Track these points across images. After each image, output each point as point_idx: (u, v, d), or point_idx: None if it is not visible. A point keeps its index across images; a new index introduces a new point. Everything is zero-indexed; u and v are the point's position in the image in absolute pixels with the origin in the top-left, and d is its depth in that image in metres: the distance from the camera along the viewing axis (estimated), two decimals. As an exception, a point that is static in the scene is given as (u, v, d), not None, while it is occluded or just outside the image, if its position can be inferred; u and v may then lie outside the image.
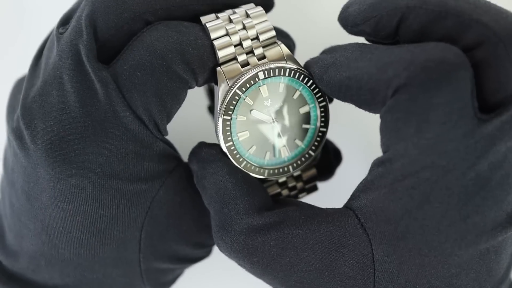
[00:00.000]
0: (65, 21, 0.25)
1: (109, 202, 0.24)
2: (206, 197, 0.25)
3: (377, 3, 0.23)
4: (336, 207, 0.25)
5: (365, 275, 0.23)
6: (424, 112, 0.21)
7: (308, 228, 0.24)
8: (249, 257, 0.24)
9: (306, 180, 0.29)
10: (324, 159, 0.29)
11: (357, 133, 0.37)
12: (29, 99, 0.24)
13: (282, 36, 0.27)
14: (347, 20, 0.25)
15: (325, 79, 0.24)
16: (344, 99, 0.24)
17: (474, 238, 0.22)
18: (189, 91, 0.26)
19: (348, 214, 0.24)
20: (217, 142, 0.26)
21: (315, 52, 0.27)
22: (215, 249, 0.30)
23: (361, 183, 0.24)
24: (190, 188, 0.27)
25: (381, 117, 0.23)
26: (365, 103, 0.23)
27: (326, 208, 0.25)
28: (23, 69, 0.28)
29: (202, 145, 0.26)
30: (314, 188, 0.30)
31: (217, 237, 0.25)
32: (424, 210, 0.22)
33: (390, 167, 0.22)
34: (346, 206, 0.25)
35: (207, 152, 0.26)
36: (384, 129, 0.22)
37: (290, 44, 0.27)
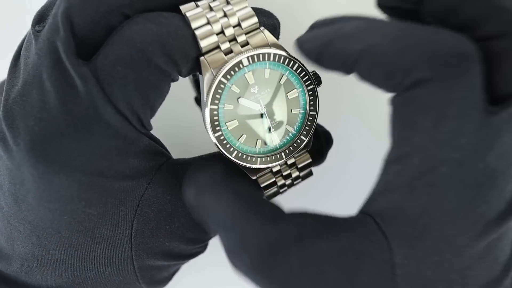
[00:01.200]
0: (40, 19, 0.25)
1: (95, 200, 0.24)
2: (213, 222, 0.24)
3: None
4: (352, 214, 0.24)
5: (385, 281, 0.22)
6: (441, 106, 0.21)
7: (329, 238, 0.22)
8: (269, 274, 0.22)
9: (301, 167, 0.28)
10: (315, 143, 0.29)
11: (361, 130, 0.37)
12: (10, 100, 0.24)
13: (264, 15, 0.26)
14: None
15: (329, 52, 0.23)
16: (349, 71, 0.23)
17: (483, 227, 0.22)
18: (175, 84, 0.25)
19: (367, 220, 0.23)
20: (207, 135, 0.26)
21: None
22: (210, 247, 0.29)
23: (377, 184, 0.23)
24: (181, 186, 0.26)
25: (394, 106, 0.22)
26: (375, 81, 0.22)
27: (343, 217, 0.24)
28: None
29: (194, 173, 0.25)
30: (309, 174, 0.29)
31: (233, 256, 0.23)
32: (442, 206, 0.21)
33: (407, 163, 0.22)
34: (363, 211, 0.24)
35: (205, 176, 0.25)
36: (399, 120, 0.22)
37: (274, 22, 0.26)
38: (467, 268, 0.22)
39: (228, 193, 0.24)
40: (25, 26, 0.25)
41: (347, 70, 0.23)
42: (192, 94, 0.34)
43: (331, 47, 0.23)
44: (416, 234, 0.22)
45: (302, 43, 0.24)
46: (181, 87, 0.26)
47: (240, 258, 0.23)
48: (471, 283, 0.22)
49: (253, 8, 0.26)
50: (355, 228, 0.23)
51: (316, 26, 0.25)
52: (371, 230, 0.22)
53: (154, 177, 0.25)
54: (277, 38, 0.27)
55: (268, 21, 0.26)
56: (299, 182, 0.29)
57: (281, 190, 0.28)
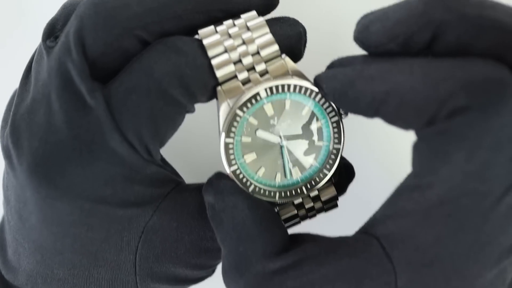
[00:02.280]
0: (50, 32, 0.24)
1: (98, 226, 0.24)
2: (222, 233, 0.24)
3: (406, 19, 0.21)
4: (357, 234, 0.23)
5: None
6: (479, 136, 0.19)
7: (329, 263, 0.22)
8: None
9: (325, 200, 0.27)
10: (336, 176, 0.27)
11: (368, 147, 0.35)
12: (18, 116, 0.24)
13: (289, 23, 0.25)
14: (369, 40, 0.22)
15: (352, 94, 0.22)
16: (373, 115, 0.22)
17: (497, 257, 0.21)
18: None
19: (372, 243, 0.22)
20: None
21: (313, 58, 0.24)
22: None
23: (387, 207, 0.22)
24: (188, 213, 0.25)
25: (423, 137, 0.21)
26: (404, 120, 0.21)
27: (347, 237, 0.23)
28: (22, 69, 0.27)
29: (220, 176, 0.24)
30: (334, 206, 0.27)
31: (229, 278, 0.23)
32: (457, 238, 0.20)
33: (428, 192, 0.20)
34: (368, 232, 0.23)
35: (226, 183, 0.24)
36: (427, 150, 0.21)
37: (300, 31, 0.24)
38: None
39: (245, 204, 0.23)
40: (27, 28, 0.24)
41: (371, 114, 0.22)
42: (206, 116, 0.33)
43: (353, 88, 0.21)
44: (425, 262, 0.21)
45: (321, 81, 0.23)
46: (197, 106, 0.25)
47: (235, 281, 0.23)
48: None
49: (275, 19, 0.24)
50: (358, 252, 0.22)
51: (335, 65, 0.23)
52: (375, 253, 0.22)
53: (160, 204, 0.25)
54: (304, 46, 0.25)
55: (292, 30, 0.24)
56: (321, 208, 0.27)
57: (302, 221, 0.27)
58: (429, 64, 0.20)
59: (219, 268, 0.28)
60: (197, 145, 0.33)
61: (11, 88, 0.27)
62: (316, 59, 0.25)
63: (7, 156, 0.24)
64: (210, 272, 0.28)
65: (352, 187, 0.28)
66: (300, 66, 0.24)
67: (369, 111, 0.21)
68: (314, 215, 0.27)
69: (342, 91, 0.22)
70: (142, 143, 0.23)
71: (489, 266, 0.21)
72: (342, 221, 0.26)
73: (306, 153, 0.25)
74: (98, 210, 0.23)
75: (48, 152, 0.22)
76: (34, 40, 0.25)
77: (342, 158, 0.28)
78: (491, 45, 0.20)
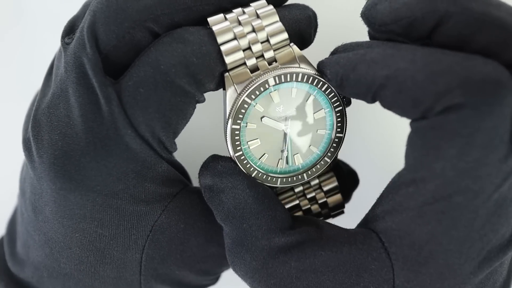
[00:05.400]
0: (69, 30, 0.25)
1: (108, 222, 0.24)
2: (222, 213, 0.24)
3: (413, 3, 0.21)
4: (356, 227, 0.24)
5: None
6: (471, 134, 0.20)
7: (330, 249, 0.23)
8: (266, 278, 0.23)
9: (327, 190, 0.27)
10: (340, 183, 0.27)
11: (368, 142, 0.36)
12: (39, 111, 0.24)
13: (298, 8, 0.25)
14: (374, 18, 0.23)
15: (353, 77, 0.22)
16: (372, 98, 0.22)
17: (487, 255, 0.22)
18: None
19: (371, 236, 0.23)
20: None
21: (320, 49, 0.25)
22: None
23: (385, 202, 0.23)
24: (196, 215, 0.25)
25: (417, 130, 0.21)
26: (401, 107, 0.21)
27: (347, 229, 0.24)
28: (22, 70, 0.27)
29: (216, 158, 0.25)
30: (340, 207, 0.28)
31: (234, 254, 0.23)
32: (450, 235, 0.21)
33: (422, 188, 0.21)
34: (368, 226, 0.23)
35: (224, 165, 0.24)
36: (419, 144, 0.21)
37: (309, 14, 0.25)
38: None
39: (245, 184, 0.24)
40: (26, 28, 0.24)
41: (370, 97, 0.22)
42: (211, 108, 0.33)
43: (355, 72, 0.22)
44: (421, 260, 0.21)
45: (324, 67, 0.23)
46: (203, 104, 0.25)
47: (240, 256, 0.23)
48: None
49: (284, 5, 0.25)
50: (359, 243, 0.23)
51: (338, 51, 0.24)
52: (375, 247, 0.22)
53: (169, 204, 0.25)
54: (315, 31, 0.25)
55: (301, 14, 0.24)
56: (327, 213, 0.28)
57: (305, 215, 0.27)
58: (431, 55, 0.21)
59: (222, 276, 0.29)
60: (203, 145, 0.33)
61: (11, 86, 0.27)
62: (323, 48, 0.25)
63: (27, 149, 0.24)
64: (214, 280, 0.29)
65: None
66: (308, 55, 0.24)
67: (368, 94, 0.22)
68: (320, 214, 0.28)
69: (345, 75, 0.22)
70: (155, 136, 0.23)
71: (480, 263, 0.22)
72: (342, 220, 0.27)
73: (309, 141, 0.26)
74: (108, 205, 0.23)
75: (67, 145, 0.23)
76: (33, 38, 0.25)
77: (345, 165, 0.29)
78: (490, 42, 0.21)
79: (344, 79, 0.22)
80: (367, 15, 0.23)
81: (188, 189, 0.26)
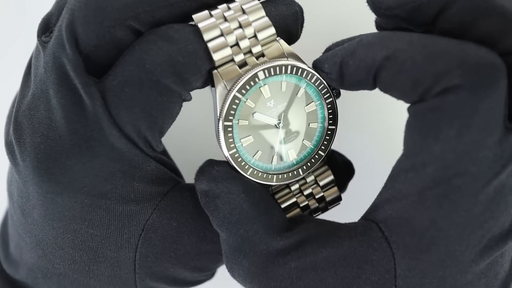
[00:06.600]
0: (45, 28, 0.24)
1: (98, 222, 0.24)
2: (218, 218, 0.24)
3: None
4: (356, 220, 0.24)
5: None
6: (468, 116, 0.20)
7: (330, 245, 0.22)
8: (266, 282, 0.23)
9: (323, 185, 0.27)
10: (335, 174, 0.27)
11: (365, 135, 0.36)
12: (20, 113, 0.23)
13: (284, 3, 0.24)
14: (380, 3, 0.23)
15: (353, 63, 0.22)
16: (372, 82, 0.22)
17: (488, 243, 0.22)
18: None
19: (371, 227, 0.22)
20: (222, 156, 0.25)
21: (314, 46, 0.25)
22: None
23: (385, 191, 0.23)
24: (188, 213, 0.25)
25: (414, 113, 0.21)
26: (400, 89, 0.21)
27: (346, 223, 0.24)
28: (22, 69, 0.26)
29: (212, 163, 0.24)
30: (337, 199, 0.28)
31: (232, 260, 0.23)
32: (451, 220, 0.21)
33: (421, 172, 0.21)
34: (368, 218, 0.23)
35: (219, 170, 0.24)
36: (418, 127, 0.21)
37: (296, 10, 0.24)
38: (468, 283, 0.22)
39: (240, 189, 0.23)
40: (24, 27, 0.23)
41: (371, 82, 0.22)
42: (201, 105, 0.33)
43: (354, 56, 0.22)
44: (422, 247, 0.21)
45: (321, 63, 0.23)
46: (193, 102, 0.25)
47: (238, 262, 0.23)
48: None
49: (270, 0, 0.24)
50: (358, 235, 0.23)
51: (332, 47, 0.24)
52: (375, 237, 0.22)
53: (160, 202, 0.24)
54: (301, 26, 0.25)
55: (288, 9, 0.24)
56: (325, 206, 0.28)
57: (304, 213, 0.27)
58: (428, 38, 0.21)
59: (218, 271, 0.28)
60: (195, 144, 0.32)
61: (11, 87, 0.26)
62: (317, 47, 0.25)
63: (10, 152, 0.24)
64: (209, 275, 0.28)
65: (351, 182, 0.28)
66: (300, 53, 0.24)
67: (369, 78, 0.22)
68: (317, 209, 0.27)
69: (344, 62, 0.22)
70: (141, 136, 0.22)
71: (480, 251, 0.22)
72: (342, 215, 0.27)
73: (302, 135, 0.25)
74: (98, 205, 0.23)
75: (50, 147, 0.22)
76: (33, 38, 0.25)
77: (340, 155, 0.28)
78: (490, 29, 0.21)
79: (344, 67, 0.22)
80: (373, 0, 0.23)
81: (180, 187, 0.25)
